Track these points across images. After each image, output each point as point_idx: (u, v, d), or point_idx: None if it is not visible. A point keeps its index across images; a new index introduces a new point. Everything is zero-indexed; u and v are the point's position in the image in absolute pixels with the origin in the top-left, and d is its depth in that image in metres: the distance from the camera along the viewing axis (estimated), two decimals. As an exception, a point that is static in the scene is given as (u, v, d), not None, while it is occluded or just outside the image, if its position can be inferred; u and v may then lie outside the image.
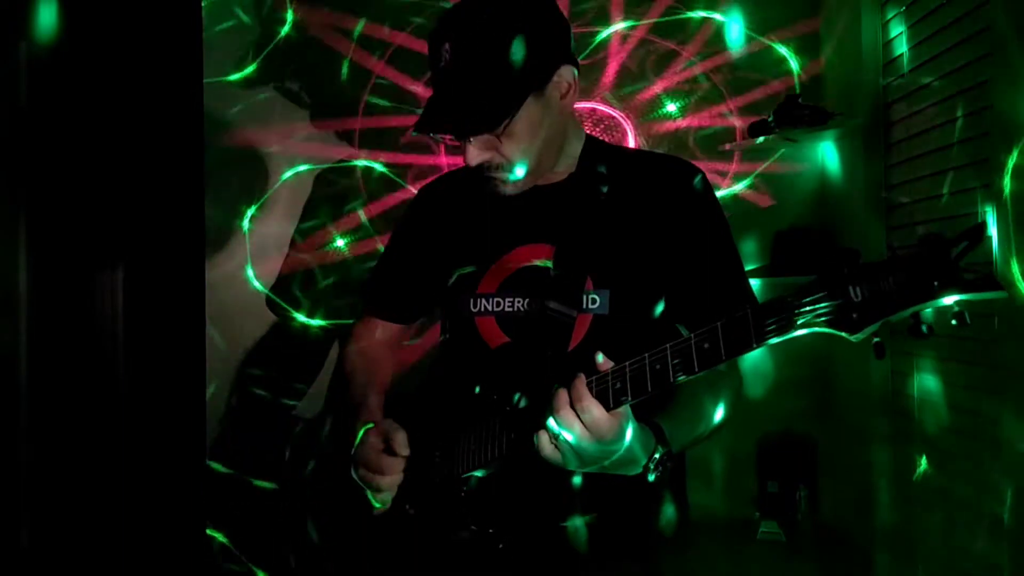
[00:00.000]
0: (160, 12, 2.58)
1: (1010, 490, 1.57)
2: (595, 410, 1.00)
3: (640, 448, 1.06)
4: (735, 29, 2.51)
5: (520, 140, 1.22)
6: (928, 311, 0.84)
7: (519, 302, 1.29)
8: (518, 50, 1.18)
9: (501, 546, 1.21)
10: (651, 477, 1.08)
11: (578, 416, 1.00)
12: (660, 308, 1.26)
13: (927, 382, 1.95)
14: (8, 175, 2.28)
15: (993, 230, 1.61)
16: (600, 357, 1.04)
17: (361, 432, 1.31)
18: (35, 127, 2.31)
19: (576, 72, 1.26)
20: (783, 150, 2.51)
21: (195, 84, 2.68)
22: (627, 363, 1.01)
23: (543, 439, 1.04)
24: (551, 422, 1.02)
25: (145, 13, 2.54)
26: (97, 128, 2.47)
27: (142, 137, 2.56)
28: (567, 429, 1.00)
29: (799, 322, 0.89)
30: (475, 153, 1.23)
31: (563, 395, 1.02)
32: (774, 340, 0.91)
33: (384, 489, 1.25)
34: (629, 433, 1.03)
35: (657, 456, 1.07)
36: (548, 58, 1.22)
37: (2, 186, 2.27)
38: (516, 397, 1.16)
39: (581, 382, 1.01)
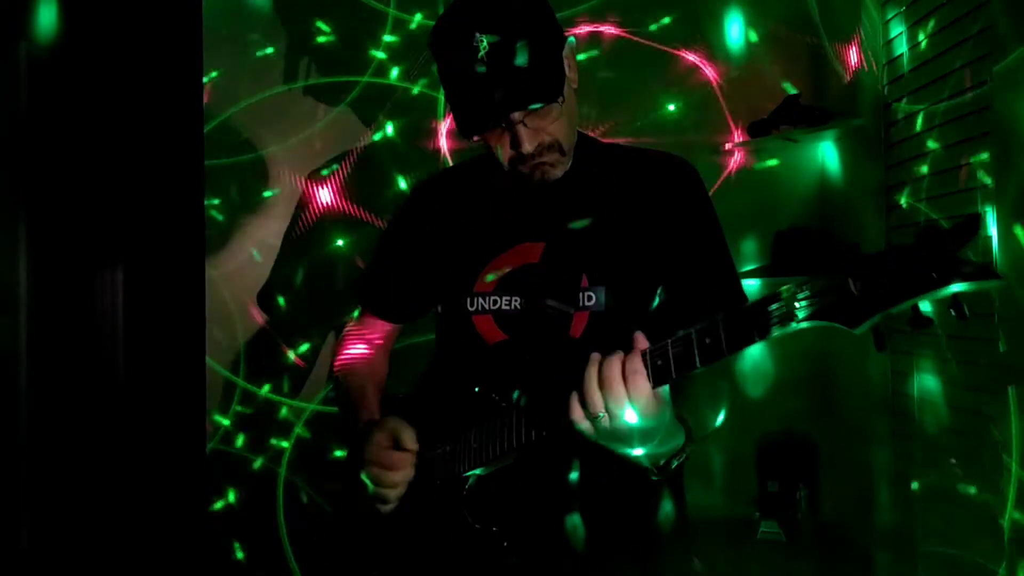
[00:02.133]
0: (160, 12, 2.58)
1: (1010, 490, 1.56)
2: (647, 387, 0.98)
3: (671, 439, 1.06)
4: (735, 29, 2.52)
5: (563, 115, 1.24)
6: (927, 303, 0.85)
7: (516, 300, 1.29)
8: (544, 28, 1.21)
9: (505, 544, 1.21)
10: (671, 469, 1.08)
11: (627, 390, 0.98)
12: (656, 304, 1.27)
13: (927, 382, 1.94)
14: (8, 175, 2.28)
15: (993, 229, 1.61)
16: (639, 336, 1.02)
17: (361, 425, 1.31)
18: (35, 127, 2.31)
19: (573, 46, 1.28)
20: (782, 151, 2.51)
21: (195, 84, 2.68)
22: (652, 346, 1.00)
23: (575, 408, 1.02)
24: (595, 395, 0.99)
25: (145, 13, 2.54)
26: (97, 128, 2.47)
27: (142, 137, 2.56)
28: (613, 404, 0.98)
29: (801, 316, 0.89)
30: (531, 136, 1.22)
31: (615, 366, 0.99)
32: (776, 334, 0.90)
33: (396, 485, 1.25)
34: (666, 420, 1.02)
35: (684, 452, 1.08)
36: (559, 31, 1.25)
37: (2, 186, 2.28)
38: (516, 394, 1.16)
39: (638, 355, 0.99)
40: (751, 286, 2.41)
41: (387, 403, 1.40)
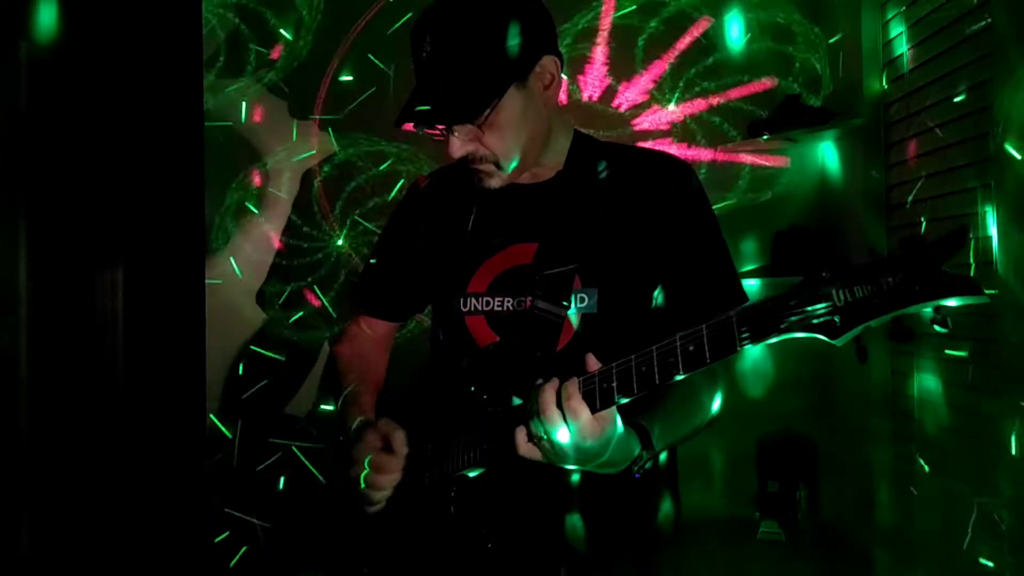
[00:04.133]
0: (160, 13, 2.58)
1: (1010, 490, 1.56)
2: (582, 412, 1.00)
3: (623, 453, 1.06)
4: (735, 29, 2.52)
5: (503, 131, 1.21)
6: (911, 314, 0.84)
7: (508, 301, 1.29)
8: (498, 39, 1.18)
9: (490, 545, 1.21)
10: (635, 476, 1.08)
11: (564, 417, 1.00)
12: (650, 305, 1.26)
13: (927, 382, 1.94)
14: (8, 175, 2.28)
15: (993, 230, 1.61)
16: (590, 358, 1.03)
17: (354, 425, 1.31)
18: (35, 127, 2.31)
19: (560, 63, 1.25)
20: (782, 151, 2.51)
21: (195, 84, 2.68)
22: (613, 365, 1.01)
23: (520, 437, 1.05)
24: (534, 421, 1.02)
25: (145, 13, 2.54)
26: (97, 128, 2.47)
27: (142, 137, 2.56)
28: (551, 429, 1.00)
29: (782, 326, 0.89)
30: (458, 145, 1.22)
31: (550, 393, 1.01)
32: (756, 345, 0.90)
33: (383, 487, 1.25)
34: (613, 438, 1.03)
35: (641, 460, 1.08)
36: (530, 48, 1.21)
37: (2, 186, 2.27)
38: (504, 397, 1.16)
39: (574, 383, 1.01)
40: (751, 286, 2.41)
41: (383, 402, 1.40)
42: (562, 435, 1.00)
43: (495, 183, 1.27)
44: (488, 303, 1.31)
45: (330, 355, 1.54)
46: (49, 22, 2.37)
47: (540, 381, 1.04)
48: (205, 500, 2.69)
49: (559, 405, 1.00)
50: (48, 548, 2.27)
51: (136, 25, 2.53)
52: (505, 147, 1.23)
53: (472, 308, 1.32)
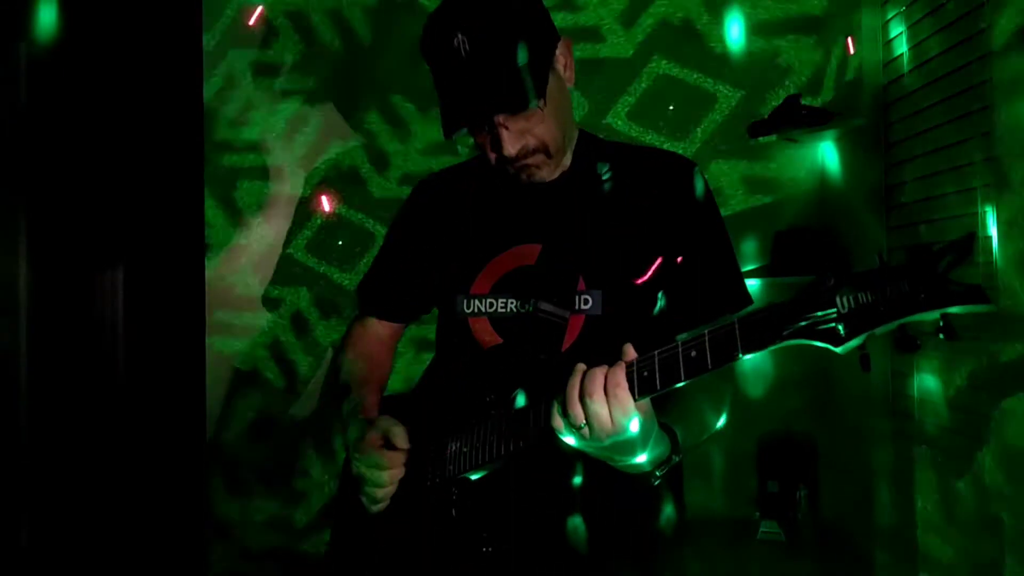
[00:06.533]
0: (160, 13, 2.59)
1: (1010, 490, 1.56)
2: (628, 399, 0.96)
3: (655, 452, 1.04)
4: (735, 29, 2.51)
5: (550, 117, 1.22)
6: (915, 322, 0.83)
7: (512, 303, 1.28)
8: (530, 29, 1.19)
9: (487, 549, 1.20)
10: (655, 481, 1.07)
11: (608, 403, 0.96)
12: (654, 307, 1.26)
13: (927, 382, 1.94)
14: (8, 175, 2.28)
15: (993, 230, 1.61)
16: (629, 348, 1.00)
17: (354, 424, 1.30)
18: (35, 127, 2.32)
19: (570, 47, 1.27)
20: (782, 151, 2.51)
21: (195, 85, 2.68)
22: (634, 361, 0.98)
23: (557, 418, 1.01)
24: (576, 407, 0.98)
25: (145, 14, 2.55)
26: (97, 128, 2.47)
27: (142, 138, 2.56)
28: (594, 416, 0.97)
29: (784, 333, 0.88)
30: (512, 139, 1.21)
31: (598, 378, 0.97)
32: (758, 352, 0.89)
33: (385, 484, 1.25)
34: (651, 434, 1.01)
35: (669, 463, 1.07)
36: (550, 34, 1.24)
37: (2, 186, 2.28)
38: (511, 398, 1.16)
39: (622, 368, 0.97)
40: (751, 286, 2.40)
41: (386, 403, 1.40)
42: (605, 423, 0.96)
43: (545, 174, 1.27)
44: (491, 304, 1.30)
45: (334, 356, 1.54)
46: (49, 22, 2.37)
47: (583, 366, 1.00)
48: (203, 499, 2.69)
49: (605, 390, 0.97)
50: (48, 547, 2.27)
51: (136, 26, 2.53)
52: (553, 133, 1.24)
53: (475, 310, 1.31)
